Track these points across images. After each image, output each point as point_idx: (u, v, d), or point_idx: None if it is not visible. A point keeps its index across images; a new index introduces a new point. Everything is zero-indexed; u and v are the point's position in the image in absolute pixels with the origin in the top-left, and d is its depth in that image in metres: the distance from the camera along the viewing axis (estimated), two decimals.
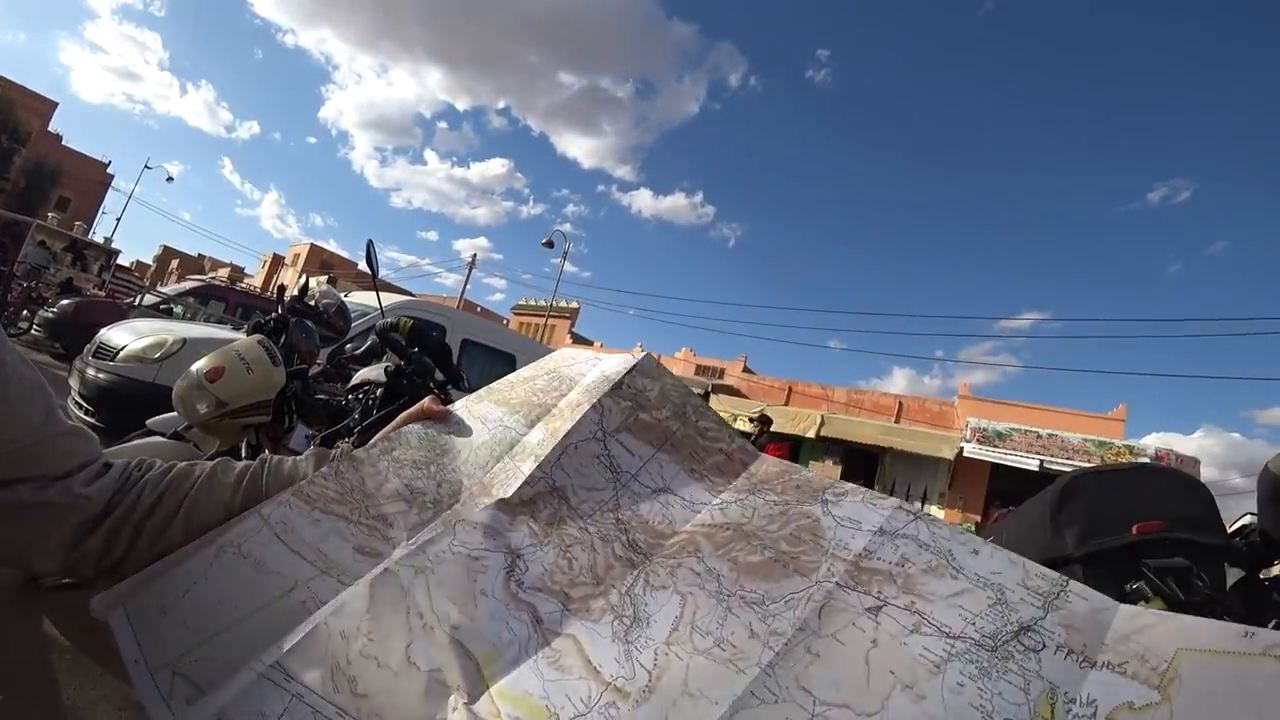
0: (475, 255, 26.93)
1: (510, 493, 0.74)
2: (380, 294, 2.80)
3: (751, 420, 8.15)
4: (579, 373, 0.90)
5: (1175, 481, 0.84)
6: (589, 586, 0.66)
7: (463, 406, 0.90)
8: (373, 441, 0.87)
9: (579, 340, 28.20)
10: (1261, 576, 0.85)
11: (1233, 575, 0.84)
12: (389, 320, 2.27)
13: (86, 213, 32.30)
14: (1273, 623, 0.70)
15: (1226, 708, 0.42)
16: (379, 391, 2.25)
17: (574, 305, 30.23)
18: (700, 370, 21.39)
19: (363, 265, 2.62)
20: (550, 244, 21.66)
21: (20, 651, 0.75)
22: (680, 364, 21.83)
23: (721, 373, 20.98)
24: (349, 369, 2.91)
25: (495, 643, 0.61)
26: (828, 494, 0.68)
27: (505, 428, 0.84)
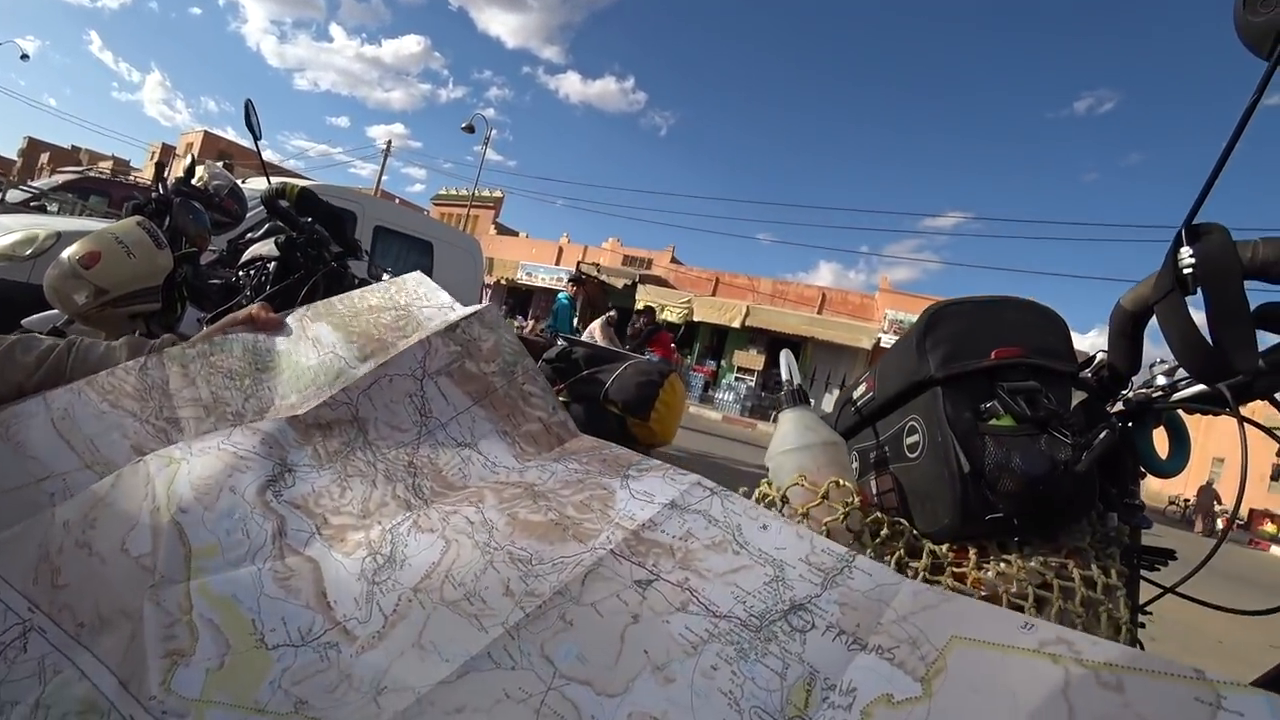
0: (390, 142, 25.32)
1: (306, 410, 0.68)
2: (268, 167, 2.54)
3: (638, 312, 8.29)
4: (428, 317, 0.83)
5: (1034, 313, 0.89)
6: (353, 518, 0.60)
7: (297, 320, 0.82)
8: (192, 340, 0.79)
9: (503, 231, 27.36)
10: (1108, 408, 0.91)
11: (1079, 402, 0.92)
12: (275, 186, 2.05)
13: None
14: (1104, 433, 0.75)
15: (986, 711, 0.38)
16: (272, 266, 2.07)
17: (498, 195, 29.07)
18: (628, 260, 21.21)
19: (274, 158, 2.36)
20: (471, 129, 20.50)
21: None
22: (607, 254, 21.58)
23: (649, 263, 20.88)
24: None
25: (221, 539, 0.54)
26: (632, 470, 0.63)
27: (337, 356, 0.78)
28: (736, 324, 16.55)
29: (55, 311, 2.14)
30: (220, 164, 3.01)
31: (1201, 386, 0.84)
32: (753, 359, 17.27)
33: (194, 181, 2.66)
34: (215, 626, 0.49)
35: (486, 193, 27.94)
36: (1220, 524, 15.97)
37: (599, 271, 18.38)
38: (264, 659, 0.48)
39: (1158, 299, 0.75)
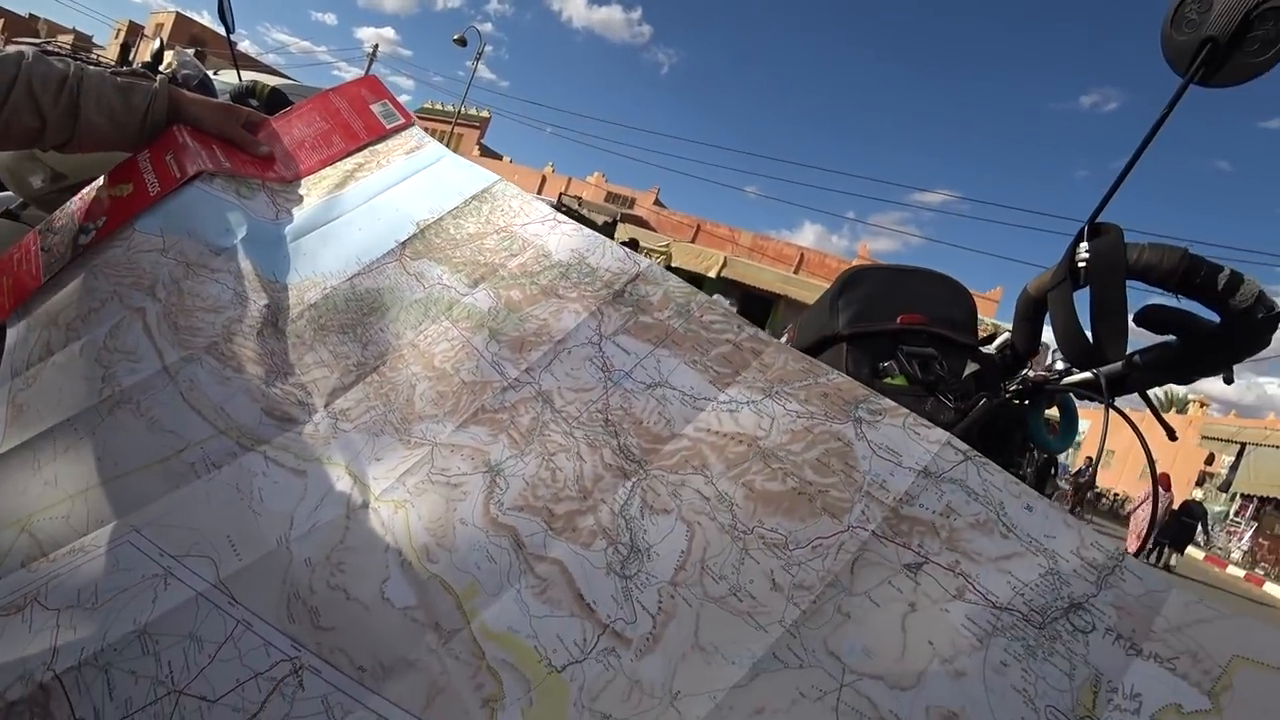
0: (377, 46, 24.21)
1: (488, 396, 0.67)
2: (241, 61, 2.39)
3: (623, 244, 8.35)
4: (535, 235, 0.80)
5: (944, 285, 0.95)
6: (575, 501, 0.57)
7: (396, 261, 0.82)
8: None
9: (487, 153, 26.66)
10: (1007, 384, 0.97)
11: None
12: (244, 84, 1.93)
13: None
14: (981, 402, 0.81)
15: None
16: None
17: (485, 114, 28.13)
18: (610, 197, 20.91)
19: (252, 50, 2.23)
20: (463, 41, 19.69)
21: None
22: (591, 188, 21.22)
23: (632, 202, 20.62)
24: None
25: (476, 575, 0.55)
26: (862, 410, 0.58)
27: (444, 286, 0.77)
28: (712, 274, 16.53)
29: (9, 194, 2.05)
30: (192, 51, 2.87)
31: (1087, 375, 0.89)
32: None
33: (161, 68, 2.53)
34: (510, 665, 0.49)
35: (474, 111, 27.05)
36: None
37: (580, 205, 18.10)
38: (560, 684, 0.48)
39: (1051, 287, 0.79)
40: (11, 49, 0.76)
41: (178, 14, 36.77)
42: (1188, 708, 0.41)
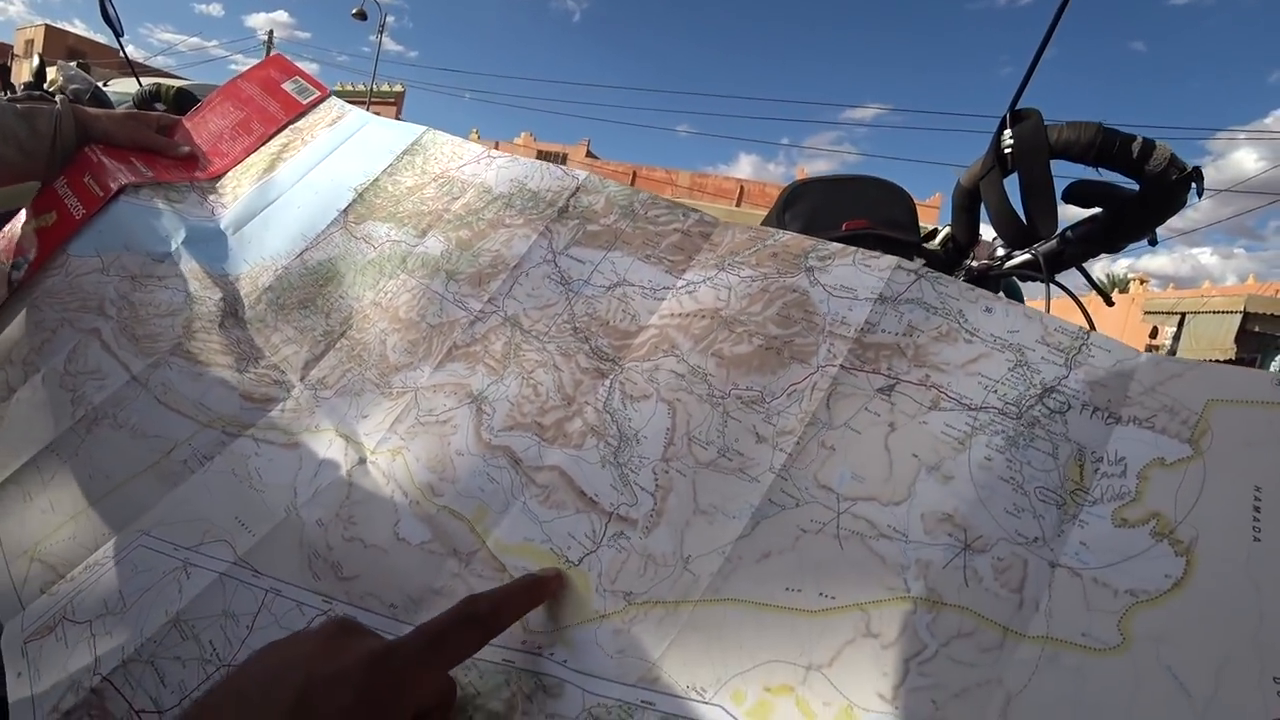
0: (272, 33, 23.05)
1: (458, 333, 0.68)
2: (135, 66, 2.25)
3: None
4: (472, 175, 0.81)
5: (882, 189, 0.98)
6: (560, 410, 0.58)
7: (342, 228, 0.82)
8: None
9: None
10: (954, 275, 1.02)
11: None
12: (148, 88, 1.81)
13: None
14: None
15: (1262, 459, 0.39)
16: None
17: (399, 89, 27.13)
18: (542, 156, 20.51)
19: (138, 55, 2.10)
20: (363, 15, 18.90)
21: None
22: (520, 149, 20.82)
23: (564, 158, 20.29)
24: None
25: (481, 498, 0.56)
26: (811, 258, 0.59)
27: (394, 242, 0.78)
28: None
29: None
30: (74, 64, 2.70)
31: (1027, 256, 0.93)
32: None
33: (46, 86, 2.38)
34: (531, 571, 0.51)
35: (386, 87, 26.11)
36: None
37: None
38: (580, 575, 0.49)
39: (982, 175, 0.84)
40: None
41: (47, 26, 33.78)
42: (1170, 458, 0.42)
